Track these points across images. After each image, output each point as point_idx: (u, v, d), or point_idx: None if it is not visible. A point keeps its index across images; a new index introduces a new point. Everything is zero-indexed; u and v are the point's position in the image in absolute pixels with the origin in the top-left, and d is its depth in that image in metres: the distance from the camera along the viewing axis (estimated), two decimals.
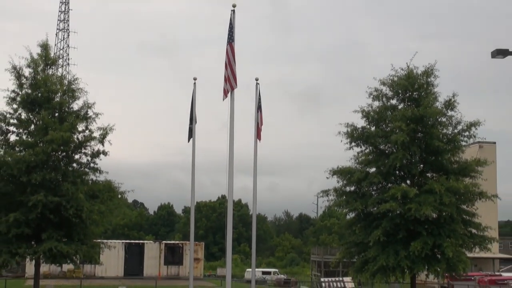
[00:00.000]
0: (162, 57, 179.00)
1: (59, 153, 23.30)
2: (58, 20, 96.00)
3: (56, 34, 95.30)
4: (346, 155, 22.89)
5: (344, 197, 22.50)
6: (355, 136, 22.48)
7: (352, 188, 22.55)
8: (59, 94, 23.66)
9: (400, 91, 22.46)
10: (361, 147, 22.76)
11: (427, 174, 22.19)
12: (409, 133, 21.23)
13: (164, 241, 60.96)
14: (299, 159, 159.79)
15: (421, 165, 22.23)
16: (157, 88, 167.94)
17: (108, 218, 24.51)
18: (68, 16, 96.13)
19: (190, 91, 23.43)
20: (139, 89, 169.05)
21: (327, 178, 22.63)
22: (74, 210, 21.87)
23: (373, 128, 22.56)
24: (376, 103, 22.78)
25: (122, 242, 56.98)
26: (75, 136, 23.36)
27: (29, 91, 23.38)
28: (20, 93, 23.40)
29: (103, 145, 23.71)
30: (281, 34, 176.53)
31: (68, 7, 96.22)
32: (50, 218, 22.04)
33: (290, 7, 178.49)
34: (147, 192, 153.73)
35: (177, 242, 63.70)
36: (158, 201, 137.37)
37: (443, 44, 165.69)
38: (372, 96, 22.75)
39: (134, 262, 54.71)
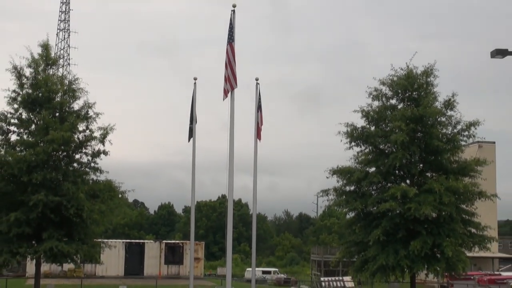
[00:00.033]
0: (162, 57, 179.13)
1: (60, 152, 23.37)
2: (58, 20, 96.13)
3: (57, 34, 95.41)
4: (346, 155, 23.00)
5: (344, 196, 22.54)
6: (355, 135, 22.52)
7: (352, 188, 22.59)
8: (60, 94, 23.74)
9: (399, 91, 22.51)
10: (361, 146, 22.81)
11: (427, 174, 22.23)
12: (409, 133, 21.28)
13: (164, 241, 61.04)
14: (299, 158, 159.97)
15: (421, 165, 22.28)
16: (157, 88, 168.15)
17: (109, 217, 24.58)
18: (69, 16, 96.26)
19: (190, 91, 23.55)
20: (139, 89, 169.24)
21: (327, 177, 22.72)
22: (74, 210, 21.94)
23: (372, 128, 22.61)
24: (376, 103, 22.85)
25: (123, 242, 57.06)
26: (76, 136, 23.43)
27: (30, 91, 23.45)
28: (21, 93, 23.47)
29: (103, 144, 23.83)
30: (281, 34, 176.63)
31: (69, 7, 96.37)
32: (51, 218, 22.11)
33: (290, 7, 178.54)
34: (148, 191, 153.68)
35: (177, 241, 63.76)
36: (158, 200, 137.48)
37: (443, 44, 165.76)
38: (371, 96, 22.80)
39: (134, 261, 54.79)
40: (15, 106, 23.44)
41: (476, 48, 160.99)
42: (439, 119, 22.04)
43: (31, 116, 23.43)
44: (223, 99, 17.47)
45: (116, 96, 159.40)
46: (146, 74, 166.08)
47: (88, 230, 23.59)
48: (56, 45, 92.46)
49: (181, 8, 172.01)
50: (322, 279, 52.36)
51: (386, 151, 22.26)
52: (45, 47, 24.25)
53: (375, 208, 21.76)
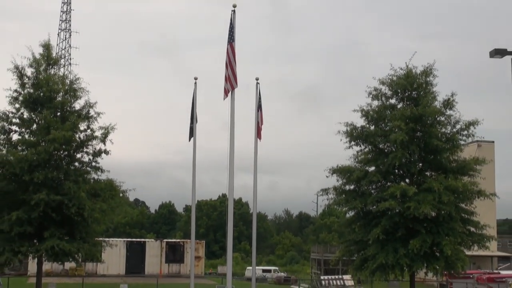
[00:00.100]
0: (162, 57, 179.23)
1: (61, 152, 23.44)
2: (60, 20, 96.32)
3: (58, 34, 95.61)
4: (345, 154, 23.10)
5: (344, 195, 22.63)
6: (354, 135, 22.61)
7: (352, 187, 22.67)
8: (61, 93, 23.81)
9: (399, 91, 22.58)
10: (360, 146, 22.90)
11: (426, 173, 22.31)
12: (408, 132, 21.36)
13: (165, 239, 61.18)
14: (299, 158, 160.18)
15: (420, 164, 22.37)
16: (157, 88, 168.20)
17: (110, 216, 24.63)
18: (70, 16, 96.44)
19: (190, 91, 23.69)
20: (139, 89, 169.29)
21: (327, 176, 22.80)
22: (76, 209, 22.02)
23: (372, 127, 22.69)
24: (376, 103, 22.92)
25: (124, 241, 57.18)
26: (77, 135, 23.50)
27: (31, 90, 23.52)
28: (23, 92, 23.55)
29: (104, 144, 23.89)
30: (281, 34, 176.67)
31: (70, 7, 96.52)
32: (52, 217, 22.19)
33: (290, 7, 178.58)
34: (149, 190, 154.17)
35: (178, 240, 63.91)
36: (159, 199, 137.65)
37: (443, 44, 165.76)
38: (371, 96, 22.88)
39: (135, 260, 54.92)
40: (17, 105, 23.52)
41: (476, 48, 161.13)
42: (438, 119, 22.12)
43: (33, 116, 23.52)
44: (224, 99, 17.61)
45: (116, 96, 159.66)
46: (146, 74, 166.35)
47: (90, 229, 23.68)
48: (57, 45, 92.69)
49: (181, 8, 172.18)
50: (322, 277, 52.46)
51: (386, 150, 22.34)
52: (47, 47, 24.35)
53: (374, 207, 21.85)
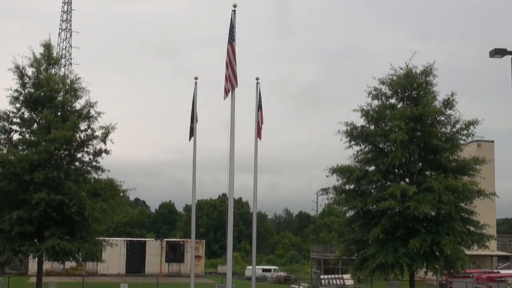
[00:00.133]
0: (162, 57, 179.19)
1: (62, 151, 23.50)
2: (60, 20, 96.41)
3: (59, 34, 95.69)
4: (345, 154, 23.06)
5: (344, 195, 22.64)
6: (354, 135, 22.62)
7: (352, 186, 22.68)
8: (62, 93, 23.87)
9: (399, 90, 22.59)
10: (360, 145, 22.91)
11: (426, 173, 22.32)
12: (408, 132, 21.39)
13: (165, 239, 61.28)
14: (299, 157, 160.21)
15: (420, 164, 22.38)
16: (157, 88, 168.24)
17: (110, 216, 24.70)
18: (71, 16, 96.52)
19: (190, 91, 23.77)
20: (139, 89, 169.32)
21: (327, 176, 22.80)
22: (76, 208, 22.07)
23: (372, 127, 22.70)
24: (376, 102, 22.92)
25: (124, 240, 57.27)
26: (78, 135, 23.56)
27: (32, 90, 23.57)
28: (23, 92, 23.61)
29: (105, 143, 23.96)
30: (281, 34, 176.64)
31: (71, 7, 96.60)
32: (53, 216, 22.25)
33: (291, 7, 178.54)
34: (149, 190, 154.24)
35: (178, 239, 64.01)
36: (159, 199, 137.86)
37: (443, 44, 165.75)
38: (371, 95, 22.89)
39: (136, 259, 55.01)
40: (17, 105, 23.59)
41: (476, 48, 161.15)
42: (438, 118, 22.13)
43: (33, 115, 23.58)
44: (224, 99, 17.66)
45: (116, 96, 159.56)
46: (146, 74, 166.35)
47: (90, 229, 23.73)
48: (58, 44, 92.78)
49: (181, 8, 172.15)
50: (322, 277, 52.54)
51: (386, 150, 22.36)
52: (47, 46, 24.40)
53: (374, 206, 21.86)
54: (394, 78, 22.61)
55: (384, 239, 21.02)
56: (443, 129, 22.24)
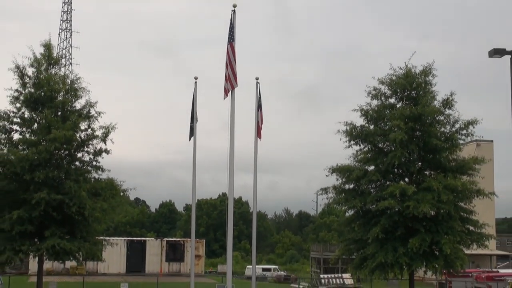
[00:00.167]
0: (162, 57, 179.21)
1: (62, 151, 23.53)
2: (60, 20, 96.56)
3: (59, 34, 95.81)
4: (345, 153, 23.11)
5: (343, 194, 22.67)
6: (354, 134, 22.65)
7: (351, 186, 22.71)
8: (62, 93, 23.90)
9: (398, 90, 22.62)
10: (360, 145, 22.94)
11: (425, 172, 22.36)
12: (408, 132, 21.42)
13: (165, 238, 61.35)
14: (298, 157, 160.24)
15: (419, 163, 22.42)
16: (157, 88, 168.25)
17: (110, 215, 24.73)
18: (71, 16, 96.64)
19: (190, 91, 23.82)
20: (139, 89, 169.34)
21: (327, 176, 22.83)
22: (76, 208, 22.11)
23: (371, 127, 22.73)
24: (375, 102, 22.93)
25: (124, 239, 57.36)
26: (78, 135, 23.60)
27: (32, 90, 23.61)
28: (24, 92, 23.64)
29: (105, 143, 23.99)
30: (281, 34, 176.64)
31: (71, 7, 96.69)
32: (53, 216, 22.28)
33: (290, 7, 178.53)
34: (149, 190, 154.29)
35: (178, 239, 64.07)
36: (159, 199, 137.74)
37: (443, 44, 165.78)
38: (370, 95, 22.92)
39: (136, 259, 55.09)
40: (18, 105, 23.62)
41: (475, 48, 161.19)
42: (437, 118, 22.16)
43: (34, 115, 23.62)
44: (224, 98, 17.73)
45: (116, 96, 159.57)
46: (146, 74, 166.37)
47: (90, 228, 23.78)
48: (58, 44, 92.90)
49: (181, 8, 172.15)
50: (321, 276, 52.57)
51: (385, 150, 22.40)
52: (47, 46, 24.43)
53: (374, 206, 21.89)
54: (394, 78, 22.64)
55: (384, 238, 21.05)
56: (443, 129, 22.27)
